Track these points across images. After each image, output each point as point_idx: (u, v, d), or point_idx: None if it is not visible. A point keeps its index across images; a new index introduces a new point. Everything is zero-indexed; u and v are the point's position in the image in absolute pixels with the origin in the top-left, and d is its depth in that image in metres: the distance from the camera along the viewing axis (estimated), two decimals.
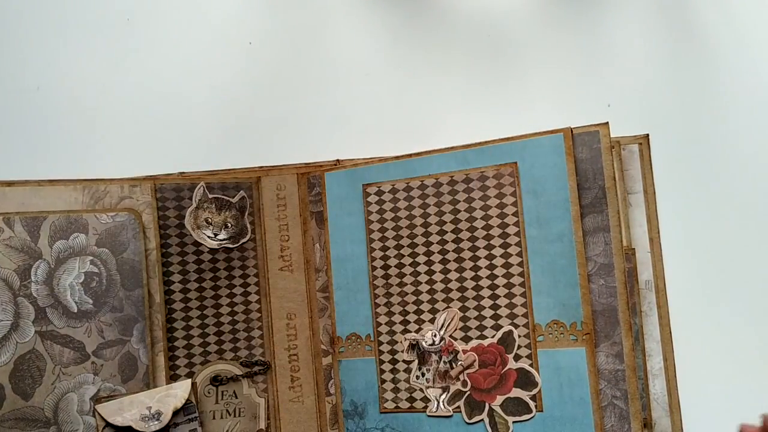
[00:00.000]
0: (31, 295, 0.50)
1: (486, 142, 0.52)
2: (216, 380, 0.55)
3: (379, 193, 0.55)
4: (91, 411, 0.51)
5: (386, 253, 0.55)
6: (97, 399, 0.51)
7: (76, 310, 0.51)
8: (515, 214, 0.51)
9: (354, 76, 0.61)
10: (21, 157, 0.57)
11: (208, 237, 0.56)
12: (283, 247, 0.59)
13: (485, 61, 0.60)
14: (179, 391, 0.53)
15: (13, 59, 0.58)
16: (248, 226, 0.58)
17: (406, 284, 0.54)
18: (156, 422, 0.52)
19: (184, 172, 0.57)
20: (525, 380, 0.50)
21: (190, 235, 0.55)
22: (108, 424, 0.51)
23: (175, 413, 0.52)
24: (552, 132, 0.50)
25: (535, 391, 0.50)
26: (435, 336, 0.53)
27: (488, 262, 0.51)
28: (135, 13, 0.60)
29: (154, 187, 0.54)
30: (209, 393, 0.55)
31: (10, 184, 0.50)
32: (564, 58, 0.59)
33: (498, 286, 0.51)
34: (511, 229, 0.51)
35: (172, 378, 0.54)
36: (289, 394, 0.58)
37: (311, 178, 0.58)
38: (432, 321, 0.53)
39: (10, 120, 0.58)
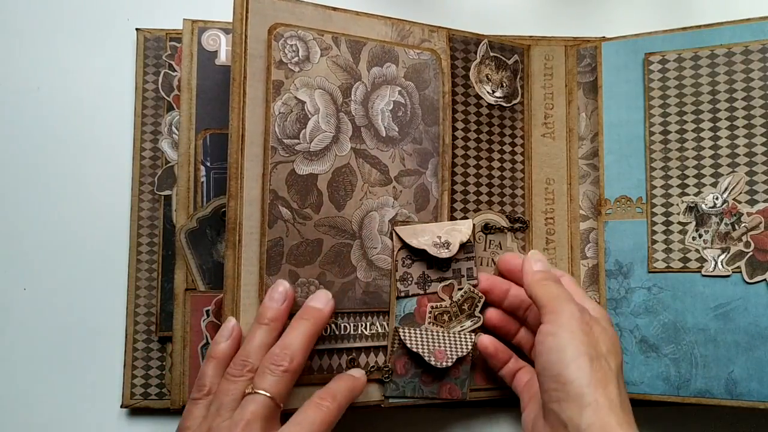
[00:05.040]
0: (350, 113, 0.52)
1: None
2: (486, 228, 0.57)
3: (663, 62, 0.57)
4: (389, 233, 0.53)
5: (667, 119, 0.56)
6: (394, 222, 0.53)
7: (384, 135, 0.53)
8: None
9: None
10: None
11: (487, 92, 0.58)
12: (546, 115, 0.61)
13: None
14: (463, 228, 0.55)
15: (13, 59, 0.59)
16: (519, 89, 0.60)
17: (687, 149, 0.56)
18: (446, 250, 0.53)
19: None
20: None
21: (473, 87, 0.57)
22: (404, 245, 0.53)
23: (460, 247, 0.54)
24: None
25: None
26: (717, 199, 0.54)
27: None
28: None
29: (448, 36, 0.57)
30: (479, 240, 0.57)
31: (334, 9, 0.52)
32: None
33: None
34: None
35: (450, 219, 0.55)
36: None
37: (581, 50, 0.60)
38: (714, 185, 0.55)
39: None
